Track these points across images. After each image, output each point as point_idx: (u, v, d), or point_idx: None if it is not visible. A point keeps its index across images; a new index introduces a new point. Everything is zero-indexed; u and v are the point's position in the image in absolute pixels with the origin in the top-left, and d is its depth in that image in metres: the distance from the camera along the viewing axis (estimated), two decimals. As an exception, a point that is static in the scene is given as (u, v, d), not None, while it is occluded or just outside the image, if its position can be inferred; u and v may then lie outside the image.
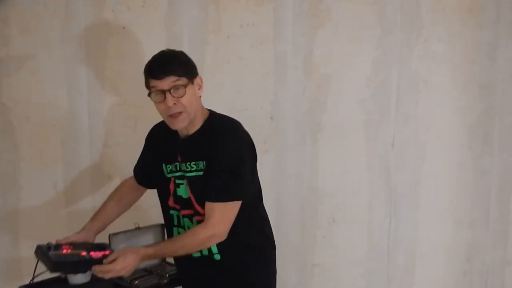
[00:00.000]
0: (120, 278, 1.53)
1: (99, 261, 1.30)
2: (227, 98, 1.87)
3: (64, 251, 1.34)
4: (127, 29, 1.79)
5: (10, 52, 1.76)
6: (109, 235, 1.54)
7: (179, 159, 1.45)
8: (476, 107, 2.07)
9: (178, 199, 1.47)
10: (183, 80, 1.36)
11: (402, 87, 2.00)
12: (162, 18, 1.82)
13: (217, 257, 1.46)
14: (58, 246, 1.36)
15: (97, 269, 1.30)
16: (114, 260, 1.29)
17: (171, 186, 1.48)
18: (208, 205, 1.39)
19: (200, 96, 1.44)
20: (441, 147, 2.08)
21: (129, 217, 1.59)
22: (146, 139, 1.59)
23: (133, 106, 1.82)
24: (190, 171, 1.43)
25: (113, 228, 1.55)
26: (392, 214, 2.07)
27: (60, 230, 1.82)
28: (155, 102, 1.39)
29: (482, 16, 2.03)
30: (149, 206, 1.69)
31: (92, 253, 1.32)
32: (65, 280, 1.44)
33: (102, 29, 1.79)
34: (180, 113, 1.37)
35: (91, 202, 1.84)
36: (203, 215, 1.41)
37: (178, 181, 1.47)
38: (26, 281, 1.43)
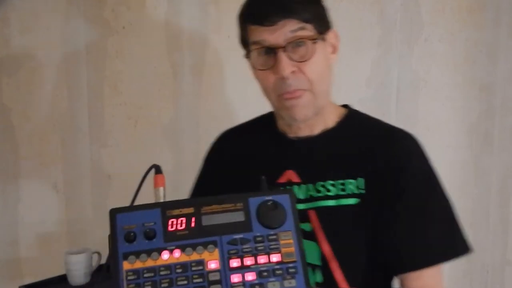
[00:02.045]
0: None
1: None
2: (227, 98, 1.86)
3: None
4: (127, 29, 1.79)
5: (10, 52, 1.76)
6: (109, 235, 1.53)
7: (294, 177, 0.90)
8: (476, 107, 2.06)
9: None
10: (310, 30, 0.83)
11: (402, 87, 2.00)
12: (162, 18, 1.81)
13: None
14: None
15: None
16: None
17: None
18: (412, 278, 0.84)
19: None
20: (441, 147, 2.08)
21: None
22: (208, 159, 1.08)
23: (133, 106, 1.82)
24: (326, 198, 0.86)
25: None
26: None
27: (60, 230, 1.82)
28: (257, 70, 0.90)
29: (482, 16, 2.03)
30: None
31: None
32: (65, 280, 1.44)
33: (102, 29, 1.79)
34: (303, 91, 0.85)
35: (91, 202, 1.84)
36: None
37: None
38: (26, 281, 1.43)
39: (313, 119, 0.91)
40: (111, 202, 1.85)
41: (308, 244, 0.85)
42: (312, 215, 0.88)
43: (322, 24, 0.88)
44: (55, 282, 1.53)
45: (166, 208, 0.75)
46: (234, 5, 1.91)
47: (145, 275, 0.69)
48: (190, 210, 0.74)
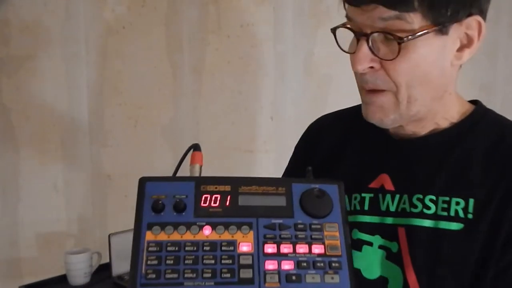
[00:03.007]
0: (120, 278, 1.53)
1: None
2: (227, 98, 1.87)
3: None
4: (127, 29, 1.79)
5: (10, 52, 1.76)
6: (109, 235, 1.53)
7: (388, 184, 0.74)
8: (476, 107, 2.07)
9: None
10: (410, 21, 0.63)
11: (402, 87, 2.00)
12: (162, 18, 1.81)
13: None
14: None
15: None
16: None
17: None
18: None
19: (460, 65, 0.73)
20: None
21: (129, 217, 1.59)
22: (298, 146, 0.95)
23: (133, 106, 1.82)
24: (422, 216, 0.69)
25: (113, 228, 1.55)
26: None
27: (60, 230, 1.82)
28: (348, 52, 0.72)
29: (482, 16, 2.03)
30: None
31: None
32: (65, 280, 1.44)
33: (102, 29, 1.79)
34: (383, 92, 0.68)
35: (91, 202, 1.84)
36: None
37: (364, 236, 0.74)
38: (26, 281, 1.43)
39: (412, 124, 0.72)
40: (111, 202, 1.86)
41: (391, 268, 0.70)
42: (401, 233, 0.70)
43: (444, 12, 0.63)
44: (55, 282, 1.53)
45: (201, 182, 0.68)
46: (234, 5, 1.92)
47: (169, 248, 0.62)
48: (227, 188, 0.67)
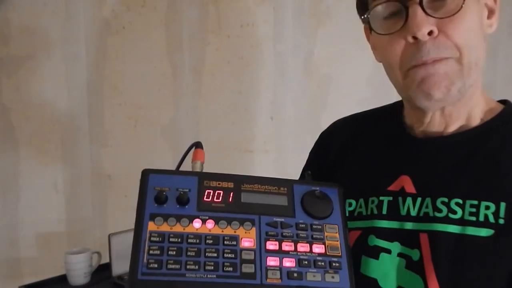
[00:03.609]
0: (120, 278, 1.53)
1: None
2: (227, 98, 1.87)
3: None
4: (127, 29, 1.79)
5: (10, 52, 1.76)
6: (109, 235, 1.53)
7: (409, 186, 0.68)
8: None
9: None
10: None
11: (402, 87, 2.00)
12: (162, 18, 1.81)
13: None
14: None
15: None
16: None
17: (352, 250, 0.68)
18: None
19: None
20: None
21: (129, 217, 1.59)
22: (313, 150, 0.90)
23: (133, 106, 1.82)
24: (447, 221, 0.63)
25: (113, 228, 1.55)
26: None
27: (60, 230, 1.82)
28: (379, 37, 0.67)
29: (482, 16, 2.03)
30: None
31: None
32: (65, 280, 1.44)
33: (102, 29, 1.79)
34: (446, 59, 0.62)
35: (91, 202, 1.84)
36: None
37: (381, 243, 0.68)
38: (26, 281, 1.43)
39: (453, 106, 0.66)
40: (111, 202, 1.86)
41: (411, 278, 0.64)
42: (424, 240, 0.64)
43: None
44: (55, 282, 1.53)
45: (204, 178, 0.68)
46: (234, 5, 1.92)
47: (171, 239, 0.62)
48: (230, 184, 0.68)
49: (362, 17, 0.68)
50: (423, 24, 0.61)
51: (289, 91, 1.94)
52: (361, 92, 2.00)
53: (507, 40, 2.08)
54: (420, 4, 0.61)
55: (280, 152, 1.97)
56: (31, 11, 1.75)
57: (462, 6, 0.61)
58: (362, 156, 0.77)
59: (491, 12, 0.70)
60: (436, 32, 0.62)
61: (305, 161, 0.94)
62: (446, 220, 0.63)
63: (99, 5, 1.78)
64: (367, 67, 2.02)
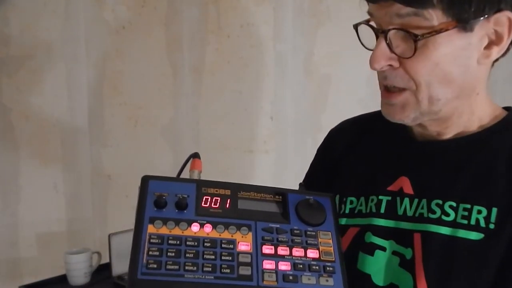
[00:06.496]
0: (120, 278, 1.53)
1: None
2: (227, 98, 1.87)
3: None
4: (127, 29, 1.79)
5: (10, 52, 1.76)
6: (109, 235, 1.54)
7: (407, 187, 0.71)
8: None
9: (358, 284, 0.70)
10: (429, 18, 0.60)
11: (402, 87, 2.00)
12: (162, 18, 1.81)
13: None
14: None
15: None
16: None
17: (349, 246, 0.74)
18: None
19: (492, 64, 0.74)
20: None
21: (129, 217, 1.59)
22: (319, 150, 0.92)
23: (133, 106, 1.82)
24: (439, 222, 0.66)
25: (113, 228, 1.55)
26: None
27: (60, 230, 1.82)
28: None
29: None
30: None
31: None
32: (65, 280, 1.44)
33: (102, 29, 1.79)
34: (403, 91, 0.65)
35: (91, 202, 1.84)
36: None
37: (377, 240, 0.71)
38: (26, 281, 1.43)
39: (436, 121, 0.68)
40: (111, 202, 1.86)
41: (403, 275, 0.67)
42: (417, 240, 0.66)
43: (467, 8, 0.59)
44: (55, 282, 1.53)
45: (202, 185, 0.71)
46: (234, 5, 1.92)
47: (170, 241, 0.64)
48: (227, 192, 0.71)
49: (353, 24, 0.71)
50: (381, 58, 0.64)
51: (289, 91, 1.94)
52: (361, 92, 2.00)
53: (507, 40, 2.08)
54: (385, 38, 0.63)
55: (280, 152, 1.97)
56: (31, 11, 1.75)
57: (414, 54, 0.61)
58: (365, 156, 0.80)
59: (498, 39, 0.65)
60: (396, 65, 0.64)
61: (306, 160, 0.96)
62: (439, 221, 0.66)
63: (99, 5, 1.78)
64: (367, 67, 2.01)
